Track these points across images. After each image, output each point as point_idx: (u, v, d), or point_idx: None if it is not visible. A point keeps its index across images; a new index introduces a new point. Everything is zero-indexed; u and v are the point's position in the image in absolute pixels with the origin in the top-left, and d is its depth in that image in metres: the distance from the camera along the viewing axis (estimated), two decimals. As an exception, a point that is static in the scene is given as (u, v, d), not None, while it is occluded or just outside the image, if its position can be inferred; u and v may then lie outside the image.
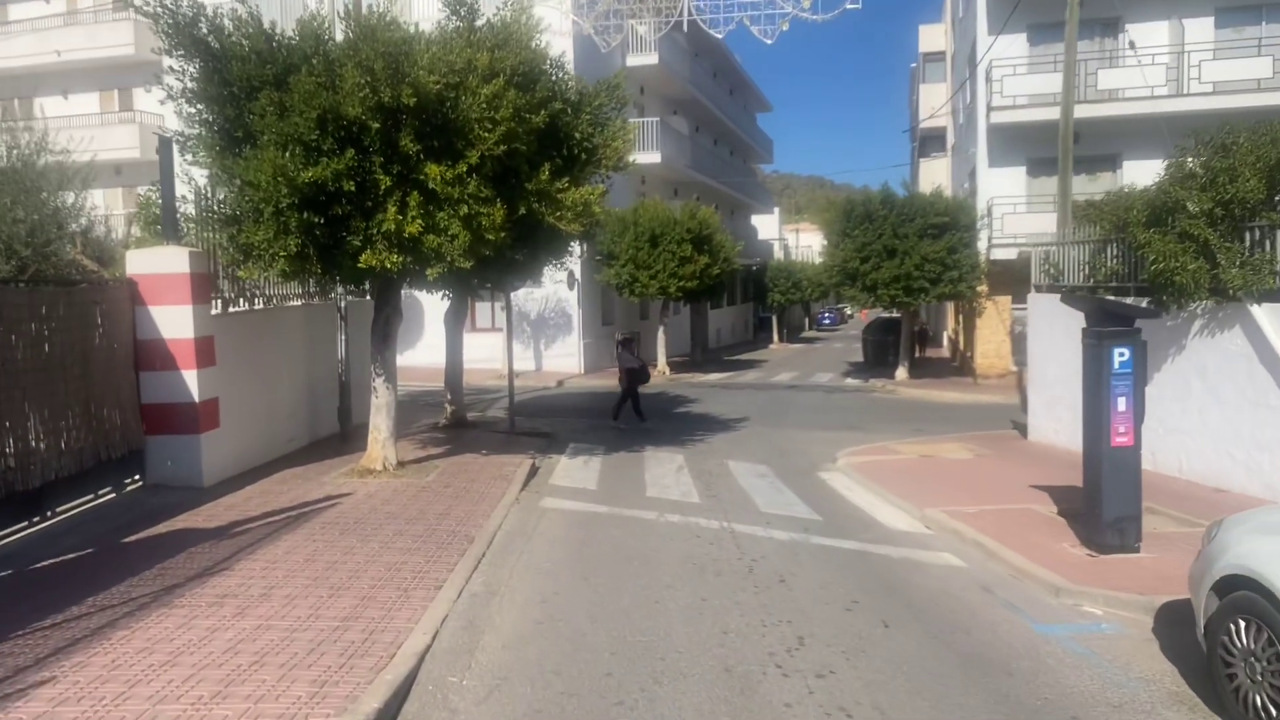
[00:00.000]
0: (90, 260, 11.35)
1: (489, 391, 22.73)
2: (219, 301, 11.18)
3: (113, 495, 9.73)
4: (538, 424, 16.70)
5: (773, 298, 47.64)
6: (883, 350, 32.28)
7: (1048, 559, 7.49)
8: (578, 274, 27.01)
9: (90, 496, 9.41)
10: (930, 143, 44.01)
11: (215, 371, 10.64)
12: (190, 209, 10.91)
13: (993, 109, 23.36)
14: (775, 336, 50.21)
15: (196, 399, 10.27)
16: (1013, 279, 24.07)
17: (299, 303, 13.35)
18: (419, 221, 9.47)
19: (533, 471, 11.89)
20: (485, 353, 26.08)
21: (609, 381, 26.70)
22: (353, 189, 9.34)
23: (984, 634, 6.05)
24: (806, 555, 8.04)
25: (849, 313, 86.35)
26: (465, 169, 9.48)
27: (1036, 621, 6.30)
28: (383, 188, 9.45)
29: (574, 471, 12.24)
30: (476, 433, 15.12)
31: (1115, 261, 12.01)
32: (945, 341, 40.72)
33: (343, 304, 13.71)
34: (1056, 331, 13.43)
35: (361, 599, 6.44)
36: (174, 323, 10.18)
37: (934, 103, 40.71)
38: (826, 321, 71.65)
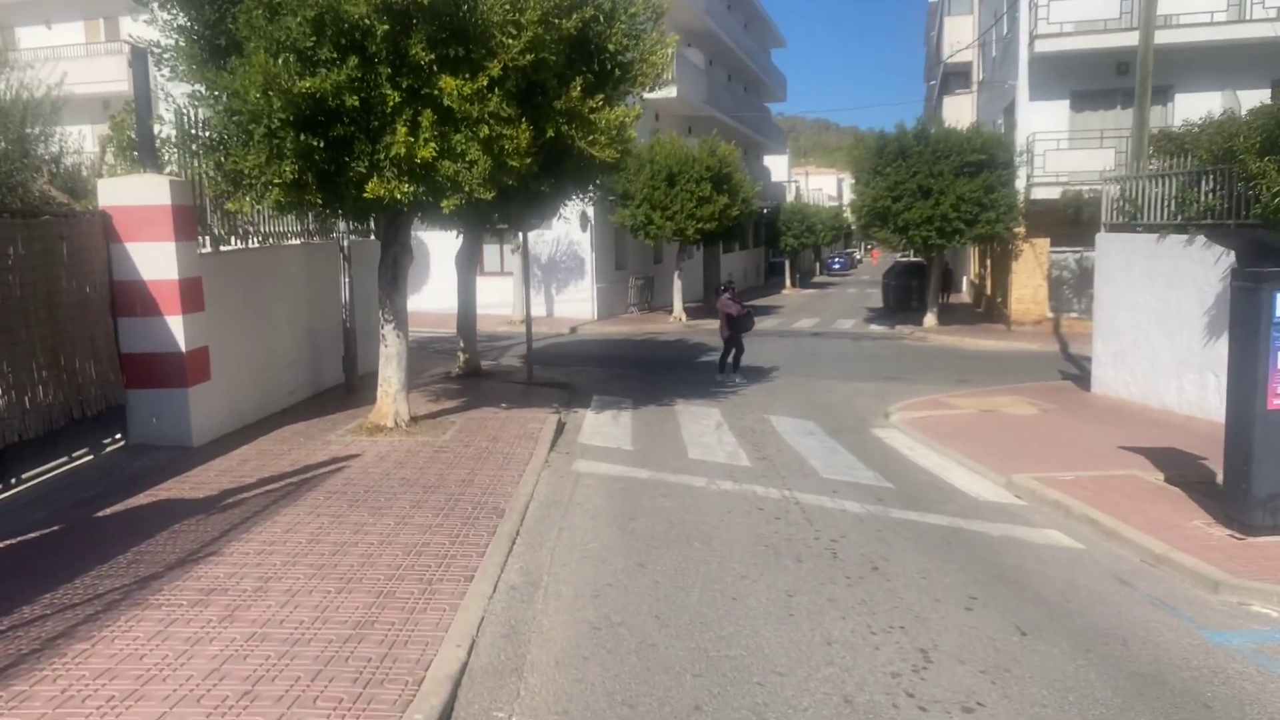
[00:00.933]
0: (60, 192, 10.04)
1: (500, 338, 21.56)
2: (207, 239, 9.92)
3: (90, 457, 8.60)
4: (556, 374, 15.53)
5: (786, 241, 46.17)
6: (905, 295, 31.04)
7: (1186, 542, 6.35)
8: (590, 214, 25.61)
9: (63, 460, 8.27)
10: (953, 79, 42.06)
11: (204, 317, 9.42)
12: (171, 133, 9.57)
13: (1037, 37, 21.72)
14: (788, 281, 48.86)
15: (183, 348, 9.07)
16: (1052, 220, 22.73)
17: (298, 241, 12.07)
18: (433, 145, 8.16)
19: (559, 428, 10.74)
20: (495, 297, 24.86)
21: (623, 328, 25.51)
22: (356, 105, 8.01)
23: (1146, 645, 4.93)
24: (891, 534, 6.90)
25: (858, 257, 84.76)
26: (486, 82, 8.13)
27: (1202, 626, 5.17)
28: (391, 104, 8.11)
29: (604, 428, 11.09)
30: (493, 383, 13.96)
31: (1211, 196, 10.69)
32: (964, 286, 39.38)
33: (346, 243, 12.42)
34: (1134, 275, 12.16)
35: (377, 595, 5.31)
36: (155, 262, 8.92)
37: (959, 36, 38.79)
38: (836, 266, 69.89)
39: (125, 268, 8.91)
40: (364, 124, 8.29)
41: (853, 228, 36.80)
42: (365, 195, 8.30)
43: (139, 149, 9.19)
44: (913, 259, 39.87)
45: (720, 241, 30.76)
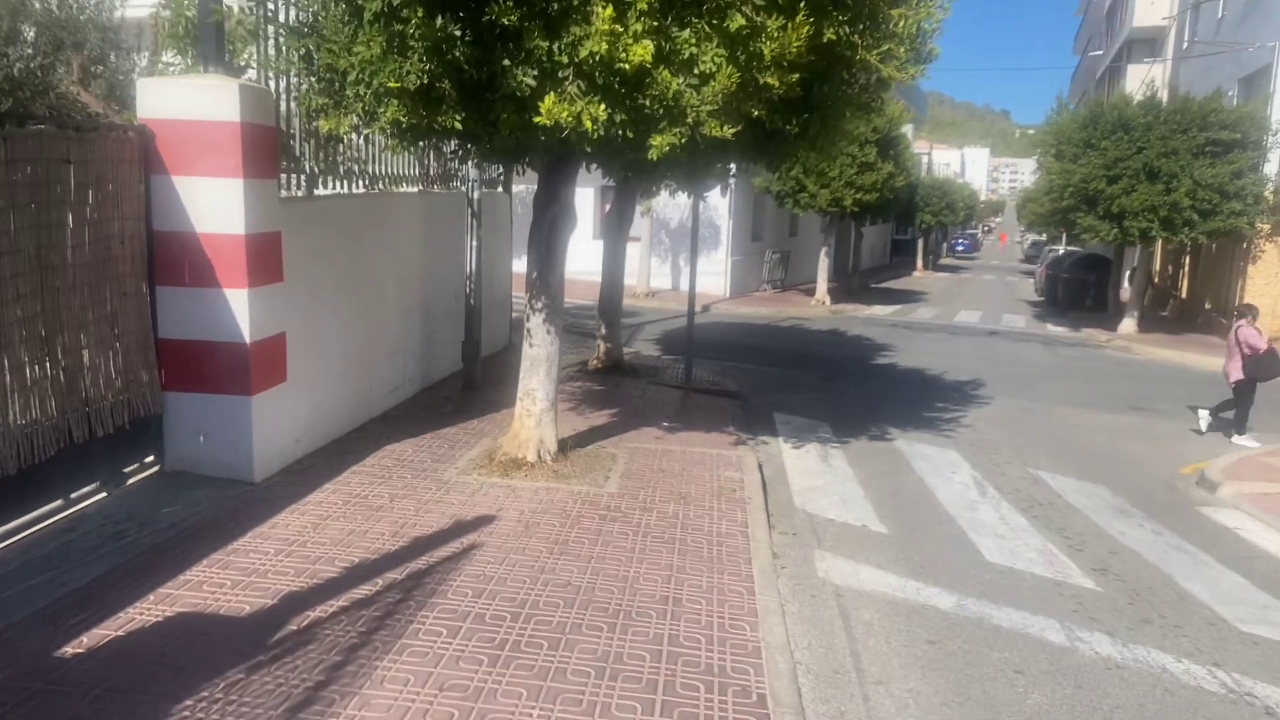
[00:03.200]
0: (96, 99, 7.20)
1: (624, 313, 18.44)
2: (295, 177, 6.92)
3: (101, 496, 5.75)
4: (712, 373, 12.29)
5: (923, 219, 41.78)
6: (1079, 291, 26.77)
7: None
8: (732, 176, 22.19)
9: (58, 504, 5.42)
10: (1136, 47, 36.94)
11: (282, 291, 6.45)
12: (252, 21, 6.49)
13: (1319, -16, 17.26)
14: (919, 263, 44.65)
15: (248, 336, 6.11)
16: (1309, 217, 18.39)
17: (414, 190, 9.05)
18: (647, 41, 4.93)
19: (762, 476, 7.52)
20: (619, 266, 21.71)
21: (761, 309, 22.10)
22: (531, -28, 4.83)
23: None
24: None
25: (980, 239, 78.86)
26: (749, -59, 4.84)
27: None
28: (586, -26, 4.90)
29: (819, 479, 7.83)
30: (642, 386, 10.85)
31: None
32: (1128, 284, 34.58)
33: (476, 195, 9.34)
34: None
35: None
36: (215, 206, 5.96)
37: (1154, -5, 33.77)
38: (960, 248, 64.64)
39: (172, 213, 5.97)
40: (538, 8, 5.09)
41: (988, 213, 32.48)
42: (537, 120, 5.11)
43: (200, 37, 6.16)
44: (1077, 249, 35.26)
45: (875, 216, 26.92)
